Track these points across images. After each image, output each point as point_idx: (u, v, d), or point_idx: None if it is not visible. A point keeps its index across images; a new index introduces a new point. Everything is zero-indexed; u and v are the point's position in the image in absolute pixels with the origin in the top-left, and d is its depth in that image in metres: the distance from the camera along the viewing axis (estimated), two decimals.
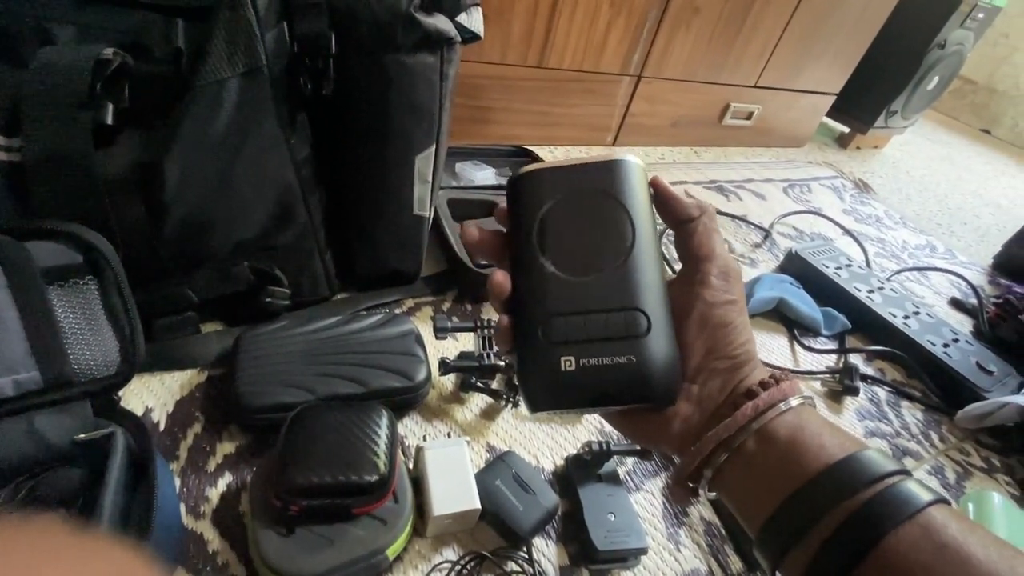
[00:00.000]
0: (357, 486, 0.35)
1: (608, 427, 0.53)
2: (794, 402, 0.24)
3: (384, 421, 0.40)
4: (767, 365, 0.65)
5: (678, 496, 0.27)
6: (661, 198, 0.28)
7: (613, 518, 0.43)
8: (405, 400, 0.48)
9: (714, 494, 0.26)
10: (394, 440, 0.39)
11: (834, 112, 1.56)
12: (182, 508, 0.38)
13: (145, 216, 0.40)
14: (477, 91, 0.93)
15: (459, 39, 0.46)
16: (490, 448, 0.48)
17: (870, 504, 0.20)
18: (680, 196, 0.28)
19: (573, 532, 0.44)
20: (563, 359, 0.24)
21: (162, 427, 0.43)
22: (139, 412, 0.43)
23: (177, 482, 0.40)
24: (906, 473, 0.22)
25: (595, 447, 0.47)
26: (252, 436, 0.44)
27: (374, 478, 0.36)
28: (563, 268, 0.25)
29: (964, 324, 0.90)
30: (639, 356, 0.23)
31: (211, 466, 0.41)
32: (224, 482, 0.40)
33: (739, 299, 0.27)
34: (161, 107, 0.38)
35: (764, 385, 0.25)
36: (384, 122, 0.47)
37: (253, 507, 0.36)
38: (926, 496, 0.20)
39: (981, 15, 1.41)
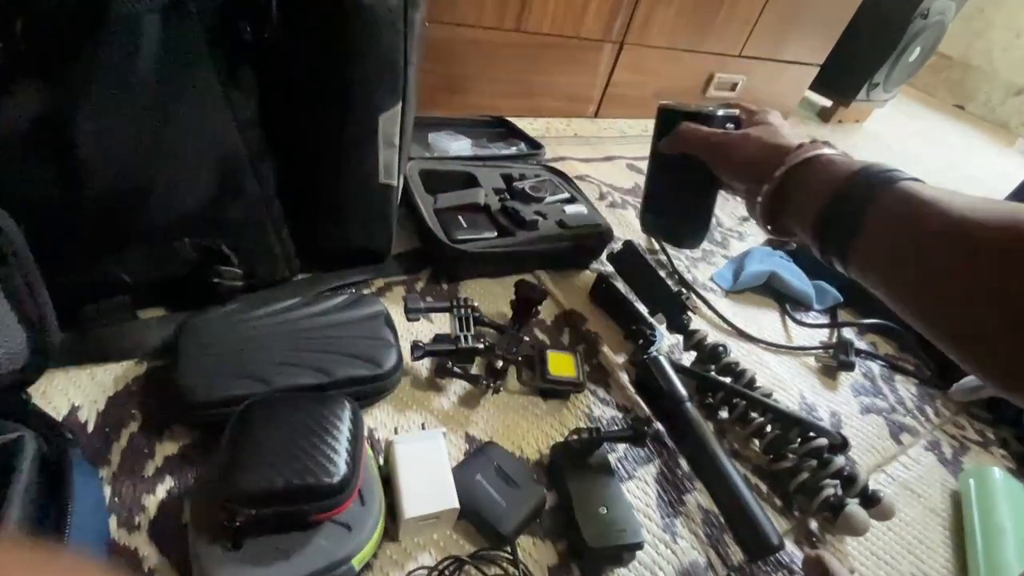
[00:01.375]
0: (315, 490, 0.30)
1: (596, 411, 0.50)
2: (823, 150, 0.39)
3: (346, 414, 0.35)
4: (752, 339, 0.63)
5: (763, 222, 0.43)
6: None
7: (605, 511, 0.39)
8: (373, 389, 0.43)
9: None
10: (358, 435, 0.34)
11: (816, 85, 1.53)
12: (112, 520, 0.33)
13: (56, 183, 0.34)
14: (451, 57, 0.86)
15: None
16: (470, 439, 0.44)
17: (863, 175, 0.35)
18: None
19: (562, 528, 0.40)
20: None
21: (91, 427, 0.37)
22: (64, 411, 0.38)
23: (107, 490, 0.34)
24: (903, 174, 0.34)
25: (584, 434, 0.43)
26: (199, 435, 0.39)
27: (334, 480, 0.31)
28: None
29: None
30: None
31: (149, 470, 0.36)
32: (164, 488, 0.35)
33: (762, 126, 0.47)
34: (66, 51, 0.32)
35: (800, 145, 0.41)
36: (342, 74, 0.41)
37: (195, 518, 0.31)
38: (907, 175, 0.34)
39: None
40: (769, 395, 0.51)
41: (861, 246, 0.33)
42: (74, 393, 0.39)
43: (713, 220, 0.84)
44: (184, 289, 0.45)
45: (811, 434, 0.48)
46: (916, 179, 0.33)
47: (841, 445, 0.49)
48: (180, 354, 0.39)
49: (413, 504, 0.35)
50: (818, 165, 0.38)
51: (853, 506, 0.44)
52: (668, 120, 0.54)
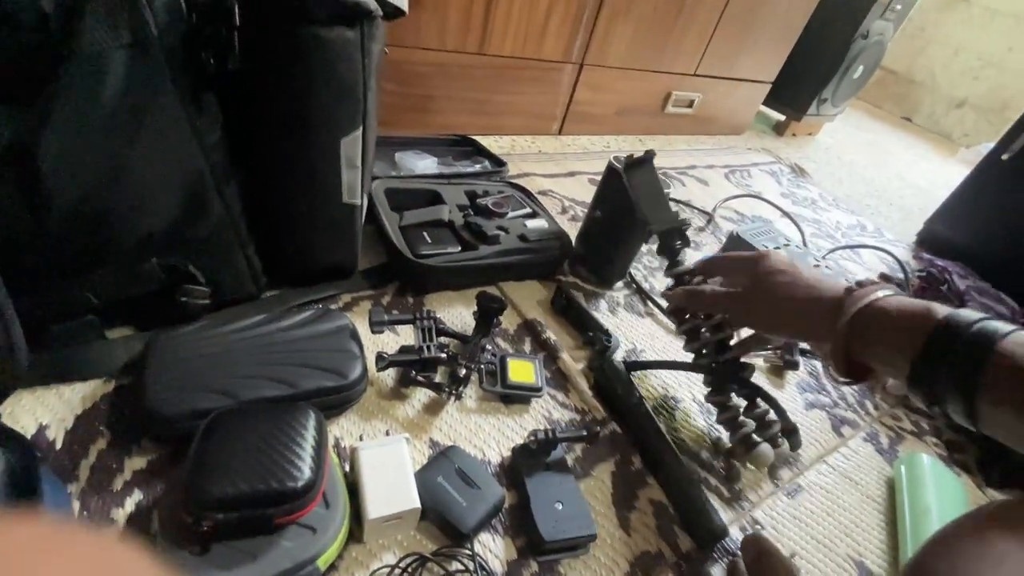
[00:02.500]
0: (279, 494, 0.32)
1: (556, 415, 0.52)
2: (882, 292, 0.39)
3: (311, 422, 0.37)
4: None
5: (840, 371, 0.40)
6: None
7: (561, 507, 0.42)
8: (339, 399, 0.45)
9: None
10: (322, 441, 0.36)
11: (770, 101, 1.62)
12: None
13: (21, 207, 0.35)
14: (416, 79, 0.90)
15: (380, 13, 0.43)
16: (433, 444, 0.46)
17: (975, 335, 0.32)
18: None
19: (520, 524, 0.42)
20: None
21: (59, 445, 0.38)
22: (32, 430, 0.38)
23: (76, 505, 0.35)
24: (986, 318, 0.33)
25: (540, 436, 0.45)
26: (167, 449, 0.40)
27: (298, 484, 0.33)
28: None
29: None
30: None
31: (118, 485, 0.37)
32: (133, 501, 0.36)
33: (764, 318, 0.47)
34: (33, 82, 0.33)
35: (849, 291, 0.40)
36: (304, 102, 0.44)
37: (163, 527, 0.33)
38: (1006, 326, 0.32)
39: (899, 6, 1.50)
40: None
41: (986, 409, 0.31)
42: (41, 412, 0.40)
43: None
44: (152, 308, 0.46)
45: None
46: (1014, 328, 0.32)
47: (792, 430, 0.53)
48: (148, 371, 0.41)
49: (376, 505, 0.37)
50: (883, 312, 0.37)
51: (764, 445, 0.50)
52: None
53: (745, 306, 0.47)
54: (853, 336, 0.37)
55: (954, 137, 2.52)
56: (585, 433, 0.47)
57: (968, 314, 0.33)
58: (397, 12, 0.45)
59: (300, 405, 0.38)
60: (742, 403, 0.53)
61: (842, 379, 0.40)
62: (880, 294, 0.38)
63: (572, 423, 0.52)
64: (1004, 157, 1.03)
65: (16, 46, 0.32)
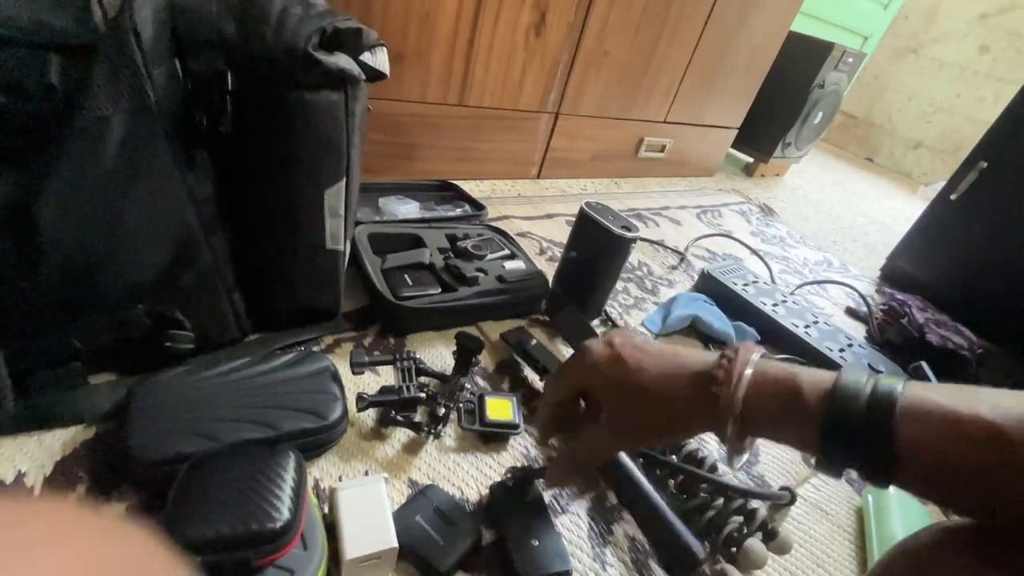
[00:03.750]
0: (257, 535, 0.33)
1: (533, 452, 0.54)
2: (746, 375, 0.32)
3: (290, 464, 0.38)
4: None
5: (736, 449, 0.33)
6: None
7: (537, 543, 0.43)
8: (319, 440, 0.46)
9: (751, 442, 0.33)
10: (301, 483, 0.37)
11: (739, 144, 1.71)
12: None
13: (16, 260, 0.37)
14: (400, 128, 0.94)
15: (363, 77, 0.47)
16: (412, 484, 0.47)
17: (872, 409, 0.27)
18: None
19: (498, 562, 0.43)
20: None
21: (37, 491, 0.39)
22: (9, 478, 0.39)
23: None
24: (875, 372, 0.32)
25: (518, 473, 0.47)
26: (147, 494, 0.40)
27: (276, 526, 0.34)
28: None
29: (859, 330, 0.99)
30: None
31: None
32: None
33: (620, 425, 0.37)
34: (37, 146, 0.36)
35: (715, 380, 0.32)
36: (290, 158, 0.47)
37: None
38: (898, 384, 0.28)
39: (851, 59, 1.61)
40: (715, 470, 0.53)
41: (902, 476, 0.27)
42: (20, 459, 0.40)
43: (644, 270, 0.93)
44: (136, 353, 0.47)
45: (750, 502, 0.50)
46: (898, 380, 0.28)
47: (790, 501, 0.53)
48: (130, 415, 0.41)
49: (354, 545, 0.37)
50: (763, 383, 0.31)
51: (753, 540, 0.47)
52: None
53: (615, 435, 0.37)
54: (744, 426, 0.32)
55: (914, 176, 2.66)
56: None
57: (851, 385, 0.29)
58: (379, 76, 0.49)
59: (280, 447, 0.40)
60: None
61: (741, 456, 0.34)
62: (748, 373, 0.31)
63: (549, 460, 0.54)
64: (952, 197, 1.10)
65: (21, 113, 0.35)
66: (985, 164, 1.05)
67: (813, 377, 0.30)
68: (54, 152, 0.35)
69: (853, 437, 0.28)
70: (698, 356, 0.35)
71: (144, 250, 0.44)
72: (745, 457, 0.36)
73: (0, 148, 0.35)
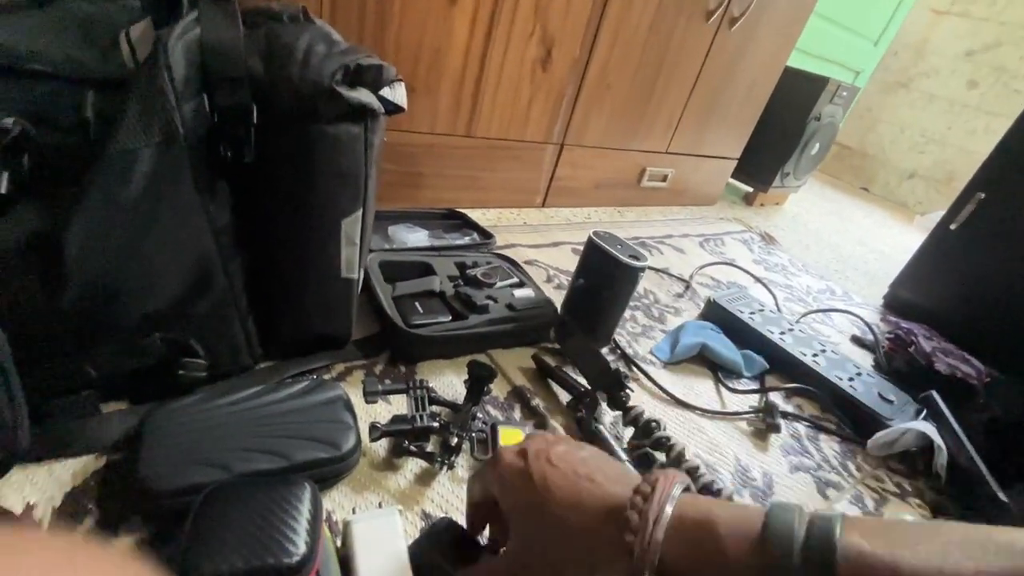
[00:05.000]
0: (273, 570, 0.32)
1: None
2: (675, 493, 0.27)
3: (306, 496, 0.37)
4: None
5: None
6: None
7: None
8: (333, 471, 0.45)
9: None
10: (317, 516, 0.37)
11: (738, 174, 1.74)
12: None
13: (39, 289, 0.37)
14: (409, 158, 0.96)
15: (382, 111, 0.48)
16: (425, 516, 0.46)
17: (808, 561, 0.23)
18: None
19: None
20: None
21: (46, 524, 0.38)
22: (18, 509, 0.38)
23: None
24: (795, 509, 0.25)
25: None
26: (158, 526, 0.40)
27: (292, 560, 0.33)
28: None
29: (864, 358, 0.99)
30: None
31: None
32: None
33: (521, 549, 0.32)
34: (67, 176, 0.37)
35: (630, 528, 0.27)
36: (309, 188, 0.48)
37: None
38: (835, 529, 0.23)
39: (845, 93, 1.66)
40: (696, 469, 0.55)
41: None
42: (30, 490, 0.40)
43: (651, 297, 0.93)
44: (148, 381, 0.47)
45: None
46: (829, 519, 0.24)
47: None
48: (143, 445, 0.41)
49: None
50: (682, 528, 0.27)
51: None
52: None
53: (513, 567, 0.32)
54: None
55: (909, 205, 2.70)
56: None
57: (782, 534, 0.24)
58: (398, 109, 0.50)
59: (295, 478, 0.39)
60: None
61: None
62: (667, 513, 0.27)
63: None
64: (952, 227, 1.12)
65: (54, 145, 0.35)
66: (983, 195, 1.07)
67: (736, 521, 0.26)
68: (84, 183, 0.36)
69: None
70: (615, 482, 0.30)
71: (163, 278, 0.44)
72: None
73: (30, 178, 0.36)
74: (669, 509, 0.27)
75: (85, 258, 0.38)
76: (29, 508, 0.38)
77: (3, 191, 0.34)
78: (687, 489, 0.29)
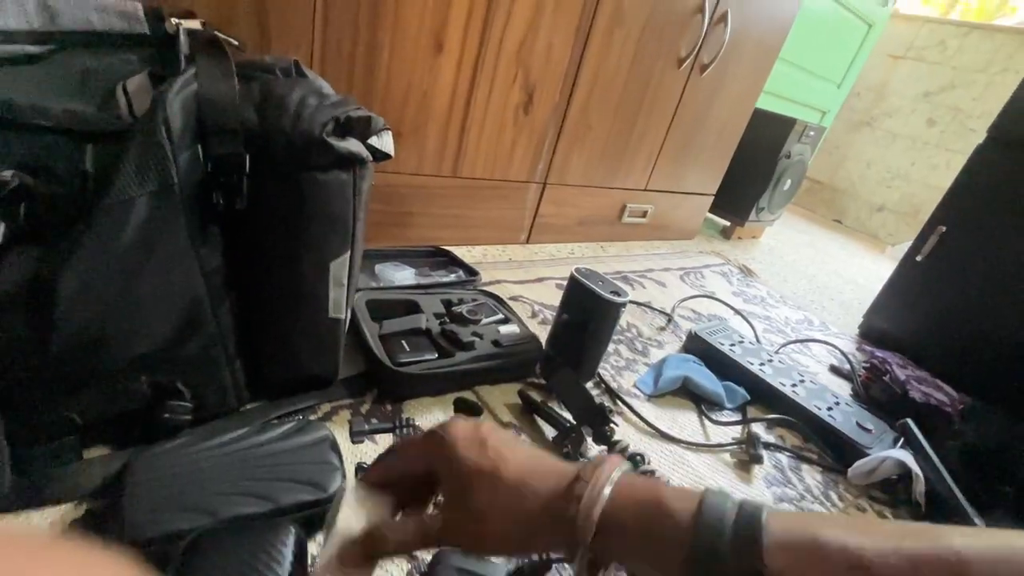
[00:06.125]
0: None
1: None
2: (605, 493, 0.28)
3: (290, 539, 0.37)
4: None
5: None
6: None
7: None
8: (319, 513, 0.45)
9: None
10: (302, 560, 0.37)
11: (716, 209, 1.80)
12: None
13: (29, 336, 0.38)
14: (396, 198, 0.99)
15: (371, 159, 0.51)
16: (412, 557, 0.46)
17: (737, 546, 0.25)
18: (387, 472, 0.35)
19: None
20: None
21: None
22: None
23: None
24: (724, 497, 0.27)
25: (525, 568, 0.46)
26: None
27: None
28: None
29: (844, 388, 1.01)
30: None
31: None
32: None
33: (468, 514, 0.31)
34: (62, 225, 0.38)
35: (567, 497, 0.29)
36: (299, 232, 0.49)
37: None
38: (762, 511, 0.26)
39: (812, 132, 1.75)
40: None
41: None
42: None
43: (633, 331, 0.95)
44: (132, 425, 0.47)
45: None
46: (767, 510, 0.26)
47: None
48: (125, 491, 0.41)
49: None
50: (624, 502, 0.28)
51: None
52: None
53: (447, 529, 0.32)
54: (598, 553, 0.29)
55: (880, 236, 2.81)
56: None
57: (714, 513, 0.26)
58: (385, 156, 0.53)
59: (280, 523, 0.39)
60: None
61: None
62: (606, 493, 0.28)
63: None
64: (918, 259, 1.17)
65: (52, 196, 0.37)
66: (944, 228, 1.13)
67: (677, 495, 0.28)
68: (79, 231, 0.37)
69: (722, 562, 0.25)
70: (564, 465, 0.32)
71: (152, 321, 0.44)
72: None
73: (26, 226, 0.37)
74: (609, 488, 0.29)
75: (76, 305, 0.39)
76: None
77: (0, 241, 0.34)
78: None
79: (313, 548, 0.44)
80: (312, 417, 0.57)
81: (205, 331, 0.48)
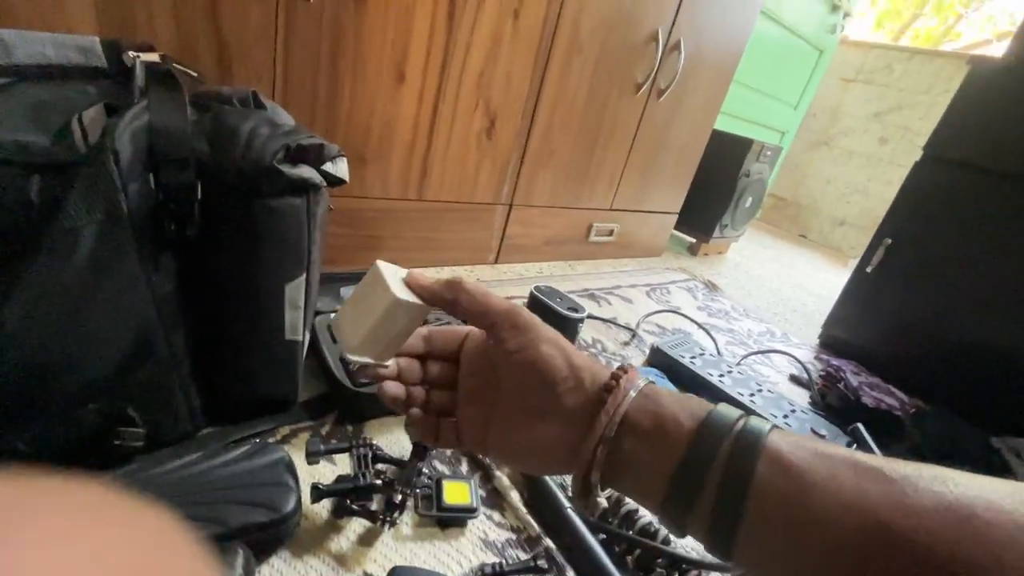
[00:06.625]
0: None
1: (492, 535, 0.54)
2: (634, 392, 0.30)
3: (238, 563, 0.37)
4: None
5: (581, 504, 0.31)
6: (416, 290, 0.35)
7: None
8: (273, 535, 0.45)
9: (608, 492, 0.31)
10: None
11: (681, 226, 1.86)
12: None
13: None
14: (363, 222, 1.00)
15: (324, 184, 0.52)
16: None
17: (733, 457, 0.26)
18: (430, 284, 0.35)
19: None
20: None
21: None
22: None
23: None
24: (746, 414, 0.28)
25: (487, 570, 0.47)
26: None
27: None
28: None
29: (802, 396, 1.04)
30: None
31: None
32: None
33: (536, 337, 0.32)
34: (7, 256, 0.38)
35: (608, 388, 0.30)
36: (253, 256, 0.50)
37: None
38: (765, 427, 0.27)
39: (769, 152, 1.83)
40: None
41: (744, 539, 0.25)
42: None
43: (599, 346, 0.97)
44: (82, 452, 0.47)
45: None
46: (771, 425, 0.27)
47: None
48: None
49: None
50: (643, 408, 0.30)
51: None
52: None
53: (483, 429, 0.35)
54: (607, 465, 0.30)
55: (843, 249, 2.91)
56: (534, 564, 0.48)
57: (720, 416, 0.28)
58: (340, 182, 0.54)
59: (227, 545, 0.39)
60: None
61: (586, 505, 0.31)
62: (632, 396, 0.30)
63: (508, 543, 0.54)
64: (868, 270, 1.22)
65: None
66: (890, 240, 1.19)
67: (687, 400, 0.30)
68: (25, 261, 0.38)
69: (706, 468, 0.26)
70: (599, 367, 0.33)
71: (102, 348, 0.45)
72: (602, 502, 0.32)
73: None
74: (633, 391, 0.30)
75: (22, 335, 0.39)
76: None
77: None
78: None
79: (267, 571, 0.44)
80: (271, 440, 0.57)
81: (157, 356, 0.48)
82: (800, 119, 2.75)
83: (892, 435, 0.87)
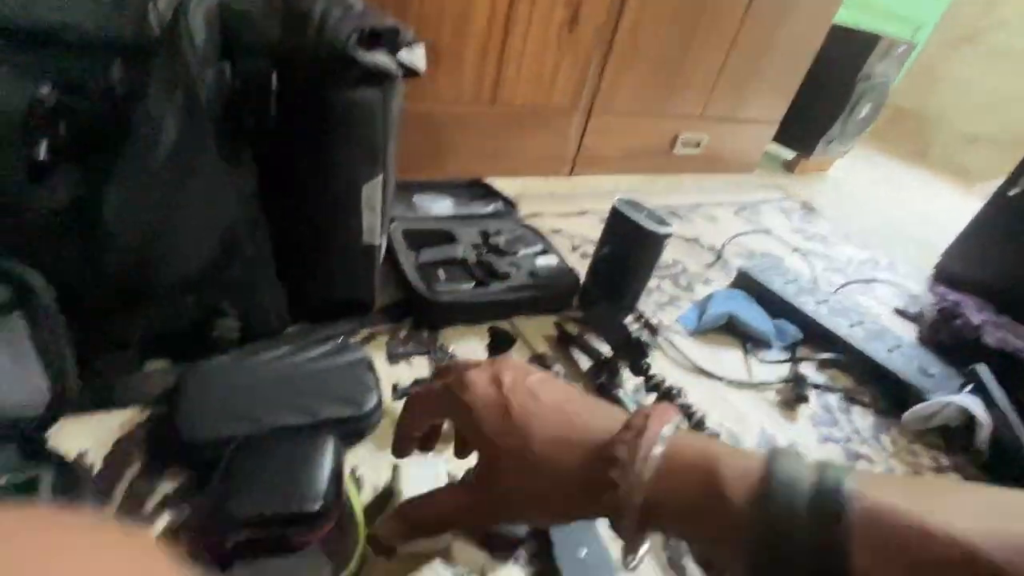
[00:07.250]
0: (296, 516, 0.34)
1: None
2: (666, 432, 0.26)
3: (329, 449, 0.39)
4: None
5: (632, 546, 0.27)
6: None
7: (585, 552, 0.42)
8: (356, 428, 0.47)
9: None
10: (339, 469, 0.39)
11: (779, 138, 1.66)
12: None
13: (81, 252, 0.40)
14: (434, 128, 0.96)
15: (400, 74, 0.48)
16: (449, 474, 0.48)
17: (817, 530, 0.21)
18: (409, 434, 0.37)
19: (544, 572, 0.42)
20: None
21: (96, 469, 0.41)
22: (73, 454, 0.41)
23: None
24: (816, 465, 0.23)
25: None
26: (195, 473, 0.42)
27: (314, 508, 0.35)
28: None
29: (909, 331, 0.94)
30: None
31: (148, 507, 0.40)
32: (163, 523, 0.39)
33: (507, 450, 0.28)
34: (99, 143, 0.38)
35: (621, 444, 0.26)
36: (328, 154, 0.48)
37: (189, 546, 0.35)
38: (845, 484, 0.21)
39: (900, 50, 1.54)
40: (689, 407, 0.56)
41: None
42: (82, 438, 0.43)
43: (679, 267, 0.91)
44: (186, 341, 0.50)
45: None
46: (851, 473, 0.22)
47: None
48: (181, 399, 0.44)
49: None
50: (675, 467, 0.25)
51: None
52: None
53: (481, 503, 0.30)
54: (646, 518, 0.25)
55: (971, 172, 2.51)
56: None
57: (787, 475, 0.23)
58: (414, 73, 0.50)
59: (320, 433, 0.41)
60: None
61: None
62: (656, 453, 0.25)
63: None
64: (1010, 194, 1.04)
65: (85, 112, 0.37)
66: None
67: (736, 461, 0.24)
68: (112, 151, 0.38)
69: (790, 559, 0.21)
70: (603, 417, 0.28)
71: (195, 243, 0.46)
72: (642, 553, 0.27)
73: (69, 147, 0.37)
74: (660, 447, 0.25)
75: (121, 223, 0.40)
76: (82, 454, 0.42)
77: (42, 158, 0.35)
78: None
79: (352, 459, 0.47)
80: (350, 340, 0.59)
81: (245, 255, 0.49)
82: (943, 9, 2.27)
83: (1016, 381, 0.77)
